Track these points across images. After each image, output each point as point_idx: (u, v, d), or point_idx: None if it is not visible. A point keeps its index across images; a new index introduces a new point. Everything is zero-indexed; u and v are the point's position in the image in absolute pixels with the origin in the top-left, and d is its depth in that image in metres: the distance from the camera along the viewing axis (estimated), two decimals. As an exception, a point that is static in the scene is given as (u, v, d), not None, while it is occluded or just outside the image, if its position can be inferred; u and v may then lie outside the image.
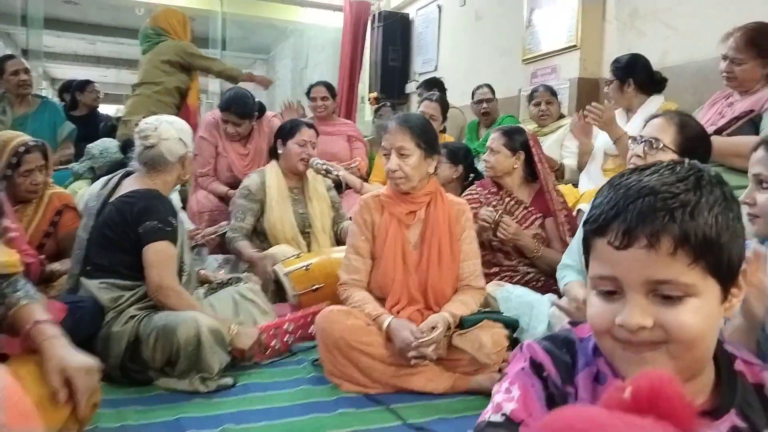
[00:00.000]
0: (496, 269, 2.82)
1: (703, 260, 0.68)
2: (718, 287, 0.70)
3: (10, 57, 4.33)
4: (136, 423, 1.74)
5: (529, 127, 3.80)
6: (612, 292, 0.72)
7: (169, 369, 2.01)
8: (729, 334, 1.34)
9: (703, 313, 0.69)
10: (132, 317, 2.06)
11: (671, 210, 0.68)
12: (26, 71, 4.16)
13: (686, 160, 0.76)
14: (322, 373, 2.12)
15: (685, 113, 1.99)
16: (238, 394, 1.99)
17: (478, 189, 3.00)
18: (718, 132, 2.53)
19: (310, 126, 3.26)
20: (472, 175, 3.41)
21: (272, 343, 2.33)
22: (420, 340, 1.98)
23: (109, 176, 2.43)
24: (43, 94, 4.69)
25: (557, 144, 3.78)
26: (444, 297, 2.22)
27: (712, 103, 2.74)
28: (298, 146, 3.12)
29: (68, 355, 1.29)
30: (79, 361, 1.29)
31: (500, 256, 2.84)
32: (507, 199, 2.91)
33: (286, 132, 3.17)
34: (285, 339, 2.39)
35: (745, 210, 1.43)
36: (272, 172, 3.16)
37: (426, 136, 2.22)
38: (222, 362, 2.03)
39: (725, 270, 0.70)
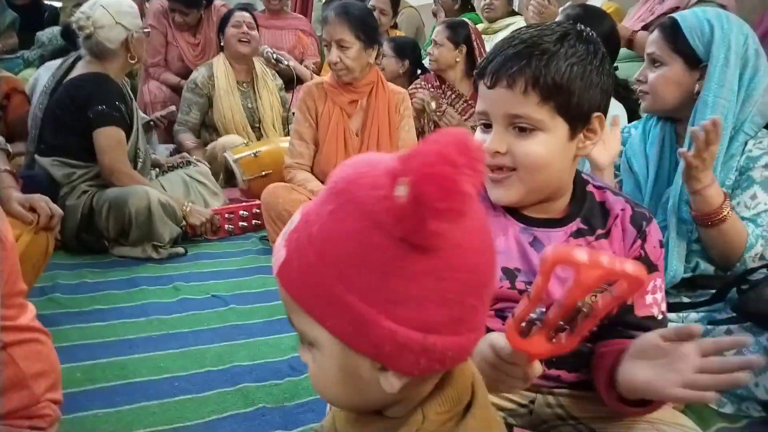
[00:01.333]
0: (435, 159, 3.01)
1: (551, 101, 0.82)
2: (566, 126, 0.85)
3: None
4: (93, 281, 1.94)
5: (481, 25, 3.86)
6: (488, 125, 0.87)
7: (123, 239, 2.19)
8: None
9: (547, 146, 0.84)
10: (84, 192, 2.20)
11: (530, 56, 0.81)
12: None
13: (574, 24, 0.91)
14: (268, 246, 2.32)
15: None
16: (190, 260, 2.20)
17: (422, 82, 3.12)
18: (645, 28, 2.68)
19: (243, 9, 3.26)
20: (419, 70, 3.50)
21: (225, 226, 2.50)
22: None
23: (64, 58, 2.46)
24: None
25: (506, 42, 3.85)
26: (382, 181, 2.40)
27: (645, 0, 2.87)
28: (234, 28, 3.13)
29: (26, 195, 1.53)
30: (36, 194, 1.52)
31: (440, 147, 3.03)
32: (449, 93, 3.05)
33: (223, 22, 3.19)
34: (240, 224, 2.55)
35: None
36: (220, 64, 3.19)
37: (365, 27, 2.28)
38: (173, 233, 2.22)
39: (573, 112, 0.84)
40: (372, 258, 0.47)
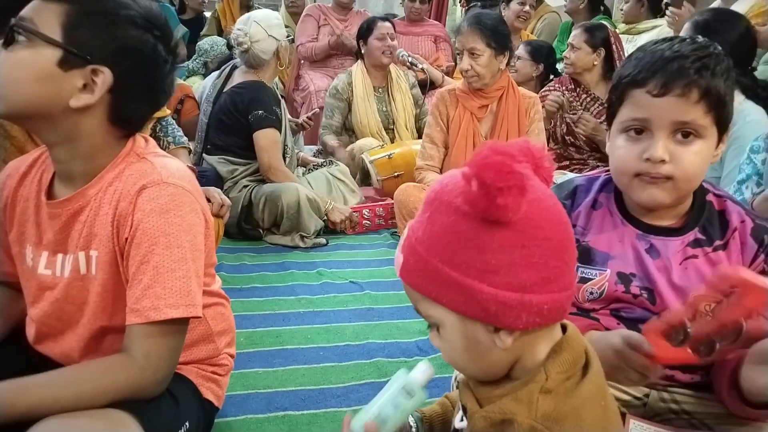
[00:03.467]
0: (566, 162, 3.02)
1: (714, 111, 0.89)
2: (716, 135, 0.91)
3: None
4: (251, 263, 2.24)
5: (621, 26, 3.75)
6: (639, 133, 0.92)
7: (275, 229, 2.50)
8: (757, 203, 1.52)
9: (703, 154, 0.90)
10: (245, 186, 2.53)
11: (699, 69, 0.88)
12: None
13: (698, 37, 0.96)
14: (398, 240, 2.49)
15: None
16: (330, 250, 2.45)
17: (556, 85, 3.13)
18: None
19: (384, 19, 3.44)
20: (552, 75, 3.50)
21: (363, 222, 2.72)
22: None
23: (222, 68, 2.82)
24: (154, -4, 5.12)
25: (650, 45, 3.71)
26: (510, 183, 2.48)
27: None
28: (378, 41, 3.31)
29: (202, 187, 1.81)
30: (211, 187, 1.86)
31: (572, 150, 3.02)
32: (584, 96, 3.03)
33: (365, 30, 3.36)
34: (376, 221, 2.76)
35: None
36: (358, 71, 3.40)
37: (496, 35, 2.37)
38: (317, 226, 2.49)
39: (724, 123, 0.91)
40: (464, 240, 0.61)
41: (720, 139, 0.93)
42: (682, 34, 2.13)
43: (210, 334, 1.15)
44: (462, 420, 0.72)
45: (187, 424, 1.04)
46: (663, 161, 0.89)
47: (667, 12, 3.01)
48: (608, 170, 1.02)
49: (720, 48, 0.93)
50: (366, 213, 2.73)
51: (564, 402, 0.62)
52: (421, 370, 0.73)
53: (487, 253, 0.61)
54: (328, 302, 1.90)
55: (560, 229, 0.64)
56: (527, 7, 4.04)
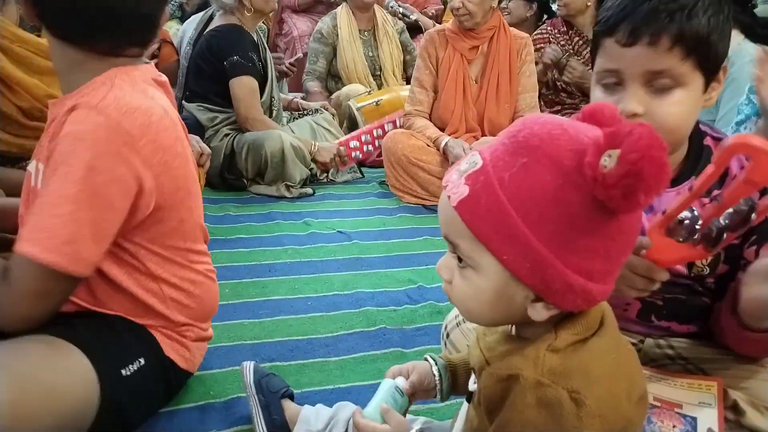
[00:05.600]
0: (558, 107, 2.95)
1: (693, 55, 0.80)
2: (702, 79, 0.82)
3: None
4: (236, 214, 2.18)
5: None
6: (614, 84, 0.84)
7: (260, 178, 2.42)
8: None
9: (684, 103, 0.82)
10: (226, 135, 2.44)
11: (671, 12, 0.79)
12: None
13: None
14: (387, 190, 2.46)
15: None
16: (316, 200, 2.39)
17: (548, 28, 3.03)
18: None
19: None
20: (545, 15, 3.38)
21: (353, 154, 2.64)
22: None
23: (205, 11, 2.69)
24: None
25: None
26: (500, 128, 2.41)
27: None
28: None
29: None
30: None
31: (563, 96, 2.95)
32: (576, 39, 2.93)
33: None
34: (365, 149, 2.67)
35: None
36: (343, 14, 3.27)
37: None
38: (302, 174, 2.41)
39: (711, 65, 0.82)
40: (561, 211, 0.54)
41: (710, 81, 0.84)
42: None
43: (167, 317, 1.05)
44: (475, 383, 0.69)
45: (141, 360, 1.00)
46: (636, 115, 0.82)
47: None
48: None
49: None
50: (353, 144, 2.64)
51: (571, 357, 0.58)
52: (401, 380, 0.81)
53: (579, 232, 0.55)
54: (315, 252, 1.85)
55: (638, 224, 0.59)
56: None
